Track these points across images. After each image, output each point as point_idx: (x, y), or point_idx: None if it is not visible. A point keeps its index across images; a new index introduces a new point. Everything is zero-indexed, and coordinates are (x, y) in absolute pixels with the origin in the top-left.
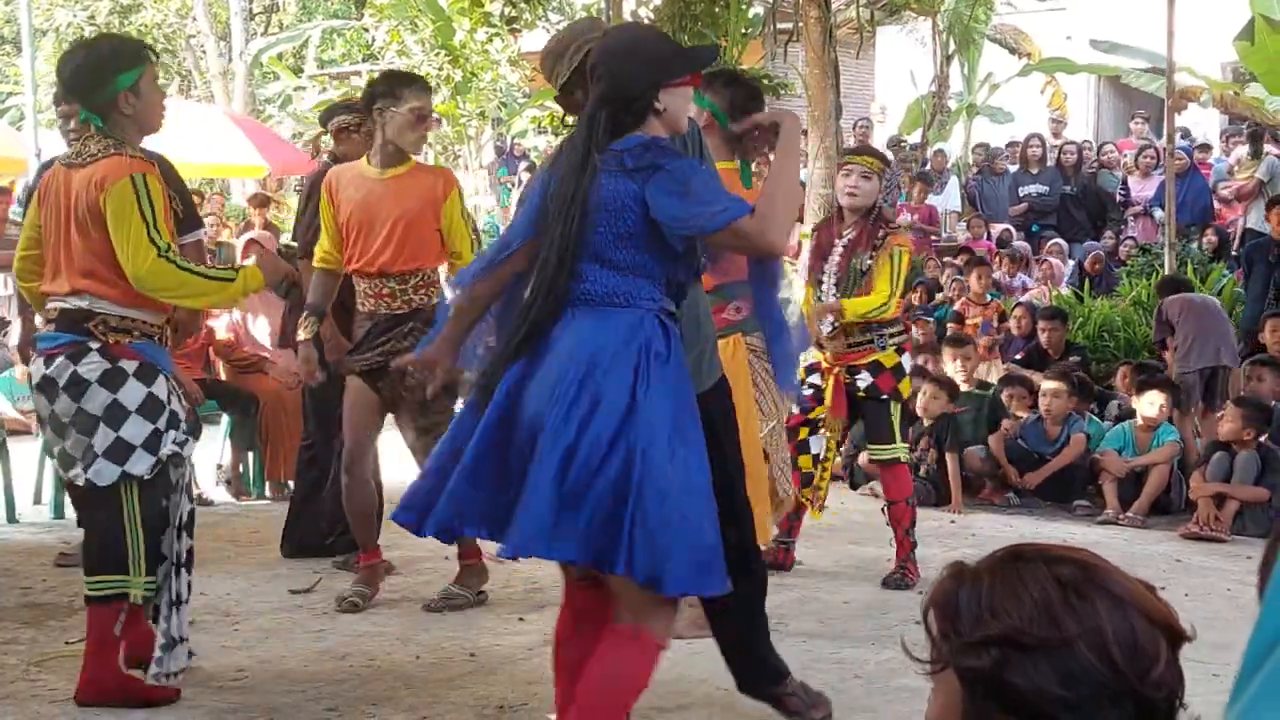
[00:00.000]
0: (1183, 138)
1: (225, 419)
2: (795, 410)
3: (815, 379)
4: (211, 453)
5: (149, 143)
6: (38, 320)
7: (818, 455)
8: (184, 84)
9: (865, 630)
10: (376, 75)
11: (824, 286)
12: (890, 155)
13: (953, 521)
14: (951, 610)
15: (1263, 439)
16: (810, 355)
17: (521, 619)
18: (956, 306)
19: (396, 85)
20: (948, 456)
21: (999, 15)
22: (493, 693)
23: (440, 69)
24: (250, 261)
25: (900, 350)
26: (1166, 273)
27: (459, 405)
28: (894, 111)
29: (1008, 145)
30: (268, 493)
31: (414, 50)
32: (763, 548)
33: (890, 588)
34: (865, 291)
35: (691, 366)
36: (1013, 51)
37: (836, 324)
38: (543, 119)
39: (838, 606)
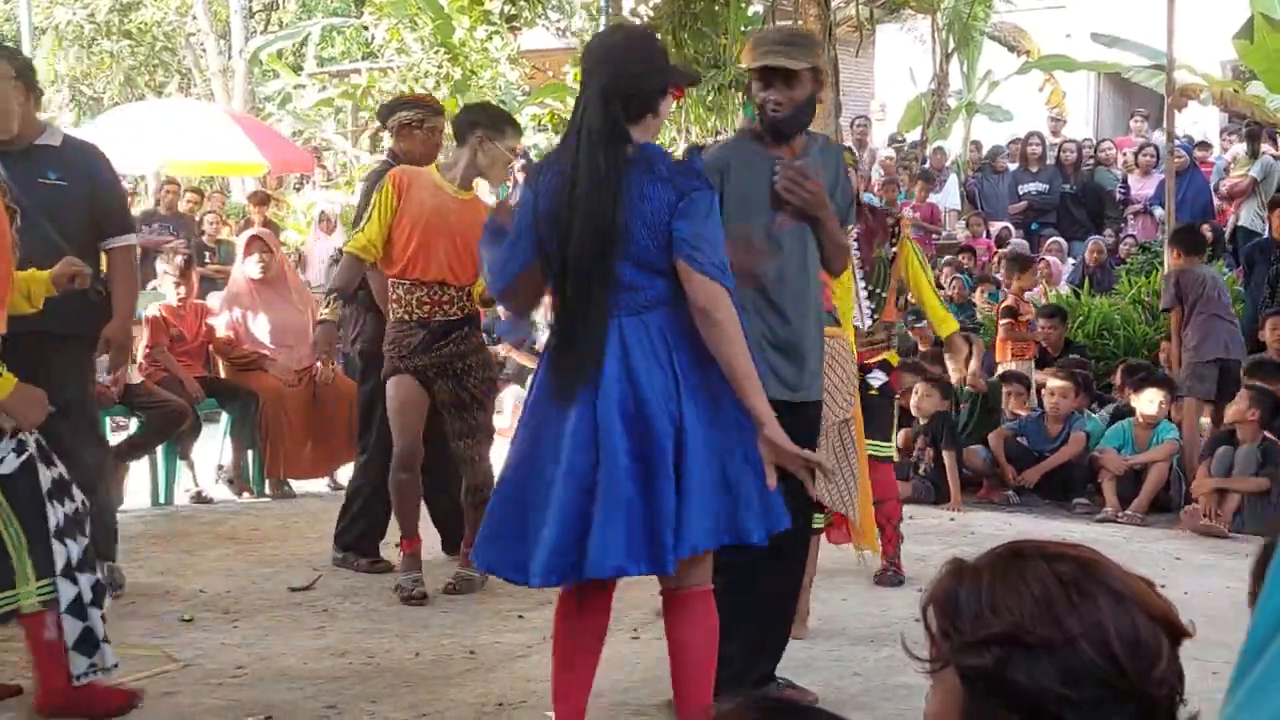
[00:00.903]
0: (1179, 136)
1: (225, 417)
2: None
3: None
4: (211, 450)
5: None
6: None
7: None
8: (184, 82)
9: (863, 628)
10: (476, 103)
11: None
12: (891, 153)
13: (952, 519)
14: (951, 608)
15: (1266, 433)
16: None
17: (521, 616)
18: (1008, 302)
19: (502, 122)
20: (945, 455)
21: (998, 13)
22: (492, 690)
23: (439, 67)
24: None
25: (900, 350)
26: (1166, 271)
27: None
28: (893, 109)
29: (1009, 143)
30: (267, 490)
31: (413, 48)
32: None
33: (887, 585)
34: (894, 279)
35: (811, 376)
36: (1012, 49)
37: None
38: (542, 116)
39: (836, 604)
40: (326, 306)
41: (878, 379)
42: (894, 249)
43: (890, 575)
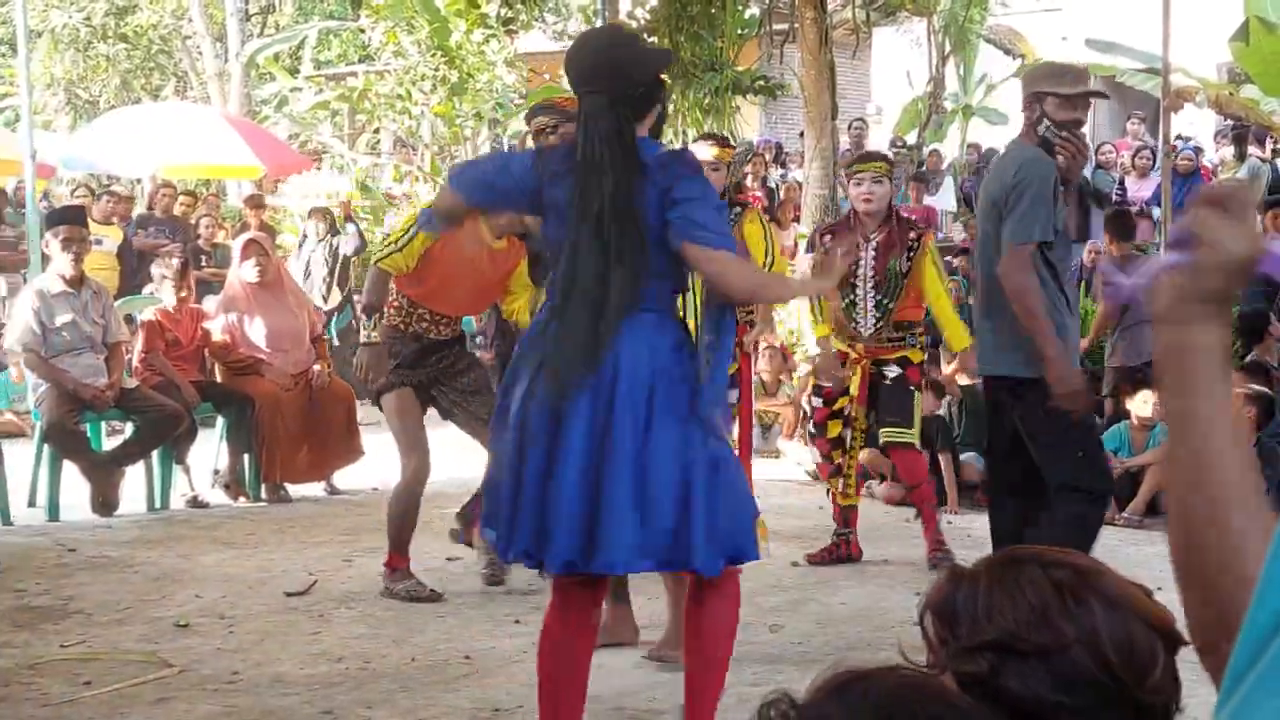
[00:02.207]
0: (1178, 138)
1: (221, 421)
2: (819, 404)
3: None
4: (207, 455)
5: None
6: None
7: (846, 443)
8: (180, 85)
9: (862, 632)
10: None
11: (859, 291)
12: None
13: (949, 523)
14: (948, 615)
15: (1261, 435)
16: (835, 346)
17: (517, 621)
18: None
19: None
20: (940, 457)
21: (994, 16)
22: (488, 695)
23: (436, 70)
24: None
25: (923, 348)
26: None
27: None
28: (890, 112)
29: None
30: (263, 495)
31: (410, 51)
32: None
33: (939, 565)
34: (913, 290)
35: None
36: (1007, 52)
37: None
38: None
39: (834, 608)
40: (374, 329)
41: (893, 371)
42: (909, 263)
43: (940, 555)
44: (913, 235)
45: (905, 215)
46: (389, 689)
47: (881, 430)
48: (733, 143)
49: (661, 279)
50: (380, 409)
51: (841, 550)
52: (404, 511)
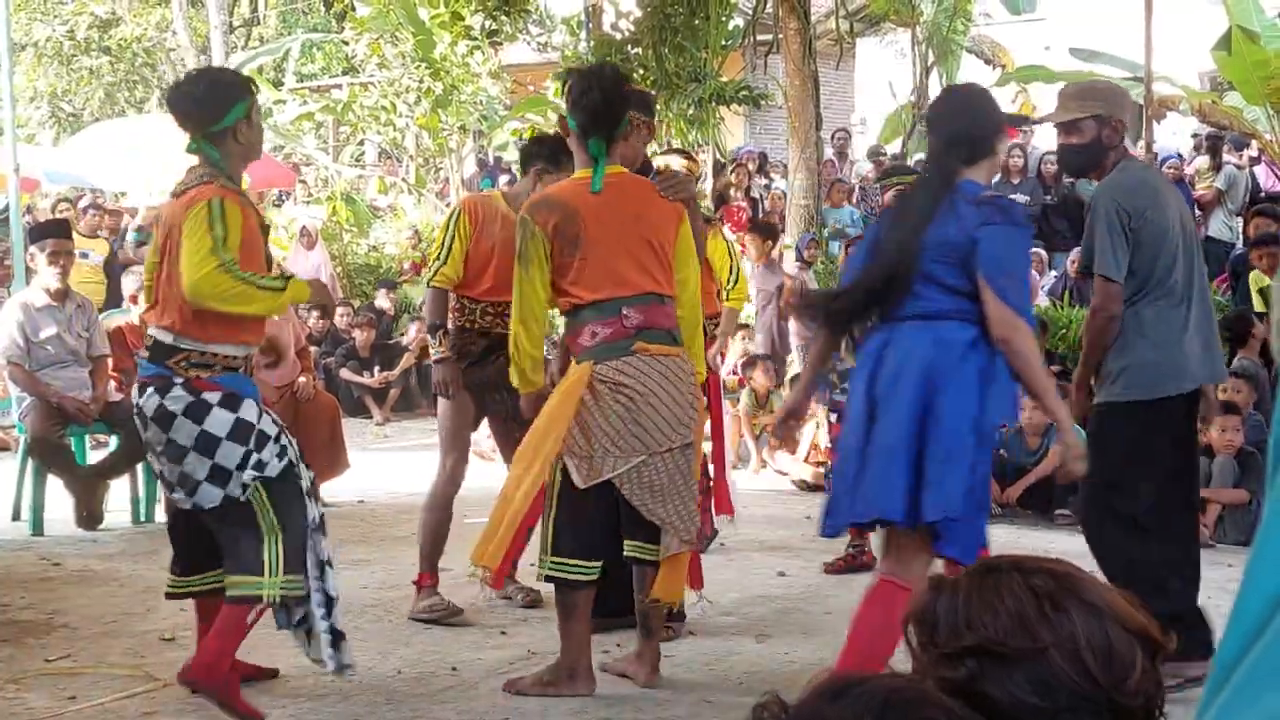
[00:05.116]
0: (1171, 150)
1: None
2: None
3: None
4: None
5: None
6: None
7: None
8: (164, 98)
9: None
10: (537, 136)
11: None
12: (870, 166)
13: None
14: (929, 622)
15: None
16: None
17: (503, 633)
18: None
19: (560, 155)
20: None
21: (977, 26)
22: (475, 707)
23: (421, 82)
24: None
25: None
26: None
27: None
28: (873, 122)
29: None
30: None
31: (394, 63)
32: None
33: None
34: None
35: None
36: (989, 63)
37: None
38: (524, 131)
39: (820, 617)
40: (439, 346)
41: None
42: None
43: None
44: None
45: None
46: (374, 701)
47: None
48: (720, 154)
49: (963, 296)
50: (435, 409)
51: (867, 558)
52: (437, 522)
